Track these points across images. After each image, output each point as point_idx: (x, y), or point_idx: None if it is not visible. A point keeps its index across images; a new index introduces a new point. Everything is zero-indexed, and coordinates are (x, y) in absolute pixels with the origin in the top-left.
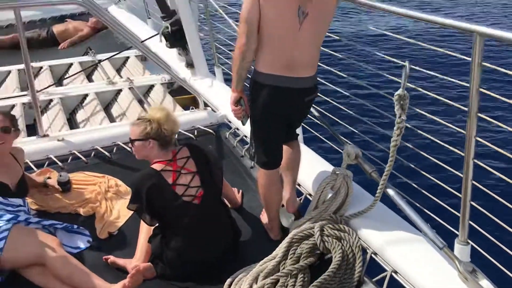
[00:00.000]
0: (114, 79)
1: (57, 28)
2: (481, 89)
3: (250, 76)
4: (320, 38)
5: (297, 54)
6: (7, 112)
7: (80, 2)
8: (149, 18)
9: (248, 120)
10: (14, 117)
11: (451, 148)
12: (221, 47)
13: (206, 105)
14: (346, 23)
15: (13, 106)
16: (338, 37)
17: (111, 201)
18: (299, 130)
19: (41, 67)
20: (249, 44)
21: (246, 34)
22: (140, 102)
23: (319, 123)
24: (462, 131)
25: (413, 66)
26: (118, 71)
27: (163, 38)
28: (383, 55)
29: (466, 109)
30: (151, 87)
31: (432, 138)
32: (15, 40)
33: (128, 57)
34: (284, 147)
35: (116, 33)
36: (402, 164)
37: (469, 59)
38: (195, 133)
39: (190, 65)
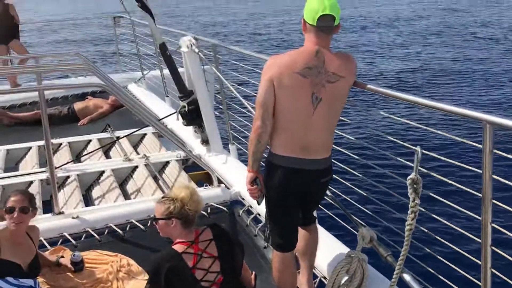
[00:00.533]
0: (131, 155)
1: (78, 105)
2: (495, 176)
3: (266, 156)
4: (334, 122)
5: (311, 137)
6: (27, 192)
7: (100, 83)
8: (167, 96)
9: (264, 200)
10: (33, 197)
11: (467, 234)
12: (235, 125)
13: (220, 181)
14: (355, 106)
15: (31, 183)
16: (348, 120)
17: (122, 281)
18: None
19: (61, 144)
20: (265, 127)
21: (262, 118)
22: (155, 179)
23: (333, 203)
24: (478, 217)
25: (425, 151)
26: (135, 147)
27: (180, 117)
28: (394, 139)
29: (480, 195)
30: (166, 163)
31: (447, 223)
32: (37, 116)
33: (145, 134)
34: (302, 231)
35: (133, 111)
36: (418, 248)
37: (481, 146)
38: (208, 211)
39: (205, 142)
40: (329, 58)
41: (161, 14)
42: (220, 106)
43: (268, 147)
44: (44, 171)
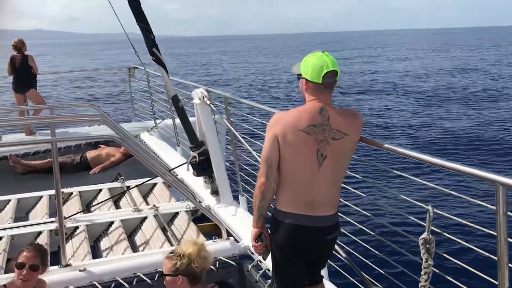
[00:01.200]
0: (140, 206)
1: (90, 154)
2: (510, 239)
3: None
4: (340, 179)
5: (317, 194)
6: (40, 248)
7: (111, 135)
8: (179, 145)
9: (270, 256)
10: (46, 253)
11: None
12: (245, 176)
13: (229, 234)
14: (367, 163)
15: (40, 233)
16: (360, 177)
17: None
18: (323, 272)
19: (71, 193)
20: (269, 184)
21: (266, 174)
22: (164, 230)
23: (343, 259)
24: (494, 281)
25: (437, 211)
26: (145, 197)
27: (190, 167)
28: (406, 197)
29: (495, 258)
30: (176, 214)
31: (461, 285)
32: (50, 164)
33: (156, 183)
34: None
35: (143, 162)
36: None
37: (494, 207)
38: (217, 265)
39: (215, 192)
40: (333, 115)
41: (174, 65)
42: (231, 157)
43: (273, 205)
44: (54, 221)
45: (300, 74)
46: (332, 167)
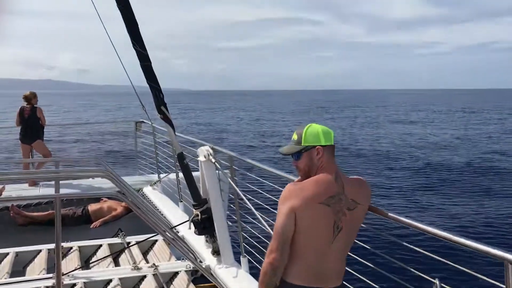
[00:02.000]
0: (140, 263)
1: (92, 207)
2: None
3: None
4: (348, 250)
5: (327, 266)
6: None
7: (114, 193)
8: (181, 201)
9: None
10: None
11: None
12: (248, 237)
13: None
14: (370, 231)
15: None
16: (363, 246)
17: None
18: None
19: (71, 248)
20: (282, 261)
21: (280, 250)
22: None
23: None
24: None
25: (443, 285)
26: (145, 253)
27: (192, 225)
28: (411, 269)
29: None
30: (175, 274)
31: None
32: (51, 216)
33: (156, 240)
34: None
35: (144, 220)
36: None
37: (503, 286)
38: None
39: (216, 252)
40: (347, 184)
41: (179, 120)
42: (234, 217)
43: None
44: (51, 278)
45: (306, 147)
46: (345, 239)
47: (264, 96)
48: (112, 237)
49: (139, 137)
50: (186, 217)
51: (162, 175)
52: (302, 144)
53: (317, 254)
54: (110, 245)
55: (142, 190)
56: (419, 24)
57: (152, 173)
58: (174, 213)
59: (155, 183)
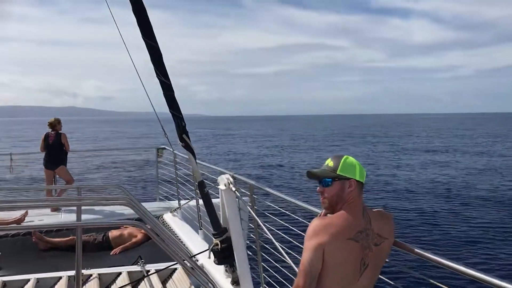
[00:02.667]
0: None
1: (113, 233)
2: None
3: None
4: (373, 284)
5: None
6: None
7: (134, 222)
8: (201, 229)
9: None
10: None
11: None
12: (268, 268)
13: None
14: (398, 268)
15: None
16: (389, 281)
17: None
18: None
19: (91, 275)
20: None
21: (307, 287)
22: None
23: None
24: None
25: None
26: (164, 282)
27: (212, 254)
28: None
29: None
30: None
31: None
32: (71, 242)
33: (175, 269)
34: None
35: (163, 248)
36: None
37: None
38: None
39: (236, 282)
40: (373, 219)
41: (200, 146)
42: (254, 246)
43: None
44: None
45: (339, 176)
46: (371, 275)
47: (284, 121)
48: (132, 264)
49: (160, 164)
50: (205, 245)
51: (182, 202)
52: (337, 172)
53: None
54: (129, 273)
55: (162, 217)
56: (439, 48)
57: (173, 199)
58: (194, 241)
59: (175, 210)
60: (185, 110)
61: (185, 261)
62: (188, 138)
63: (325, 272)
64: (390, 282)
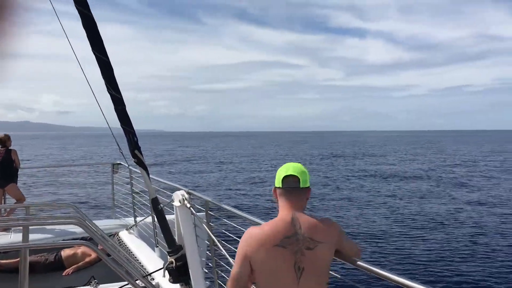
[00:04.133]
0: None
1: (65, 253)
2: None
3: None
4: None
5: None
6: None
7: (82, 242)
8: (157, 246)
9: None
10: None
11: None
12: (223, 284)
13: None
14: (342, 280)
15: None
16: None
17: None
18: None
19: None
20: None
21: None
22: None
23: None
24: None
25: None
26: None
27: (167, 273)
28: None
29: None
30: None
31: None
32: (17, 265)
33: None
34: None
35: (114, 269)
36: None
37: None
38: None
39: None
40: (304, 223)
41: (153, 161)
42: (209, 263)
43: None
44: None
45: (274, 187)
46: (313, 279)
47: (245, 137)
48: (84, 285)
49: (116, 179)
50: (162, 263)
51: (138, 219)
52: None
53: None
54: None
55: (118, 235)
56: (394, 68)
57: (129, 216)
58: (150, 259)
59: (131, 227)
60: (145, 125)
61: (137, 281)
62: (141, 153)
63: (261, 279)
64: None
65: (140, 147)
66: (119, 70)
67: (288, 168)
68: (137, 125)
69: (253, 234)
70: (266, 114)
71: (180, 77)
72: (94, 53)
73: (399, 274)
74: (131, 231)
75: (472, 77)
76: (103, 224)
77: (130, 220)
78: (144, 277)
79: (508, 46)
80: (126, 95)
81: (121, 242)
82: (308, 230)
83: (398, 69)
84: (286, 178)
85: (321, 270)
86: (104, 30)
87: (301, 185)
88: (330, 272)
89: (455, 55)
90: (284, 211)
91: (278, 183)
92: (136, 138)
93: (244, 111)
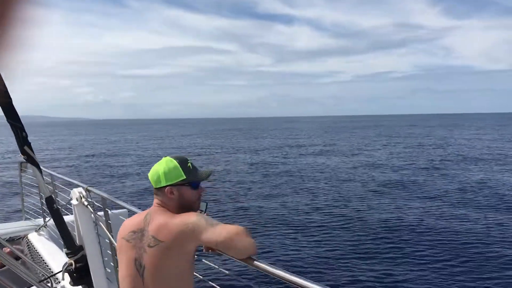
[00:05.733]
0: None
1: None
2: None
3: None
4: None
5: None
6: None
7: None
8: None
9: None
10: None
11: None
12: None
13: None
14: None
15: None
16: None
17: None
18: None
19: None
20: None
21: None
22: None
23: None
24: None
25: None
26: None
27: (66, 275)
28: None
29: None
30: None
31: None
32: None
33: None
34: None
35: (16, 273)
36: None
37: None
38: None
39: None
40: (153, 220)
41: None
42: (112, 263)
43: None
44: None
45: None
46: (155, 280)
47: (173, 124)
48: None
49: (25, 179)
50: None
51: (47, 219)
52: None
53: None
54: None
55: (27, 237)
56: (320, 54)
57: (39, 217)
58: (58, 261)
59: (39, 228)
60: (67, 113)
61: (41, 284)
62: (31, 149)
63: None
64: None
65: (30, 143)
66: (31, 55)
67: (156, 167)
68: (60, 113)
69: (123, 223)
70: (195, 101)
71: (104, 63)
72: None
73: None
74: (41, 232)
75: (394, 64)
76: (12, 226)
77: (41, 221)
78: (40, 281)
79: (426, 35)
80: (44, 81)
81: (29, 245)
82: (153, 228)
83: (325, 55)
84: (151, 177)
85: (165, 270)
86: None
87: (154, 185)
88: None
89: (378, 42)
90: (151, 207)
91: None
92: (25, 133)
93: (173, 98)
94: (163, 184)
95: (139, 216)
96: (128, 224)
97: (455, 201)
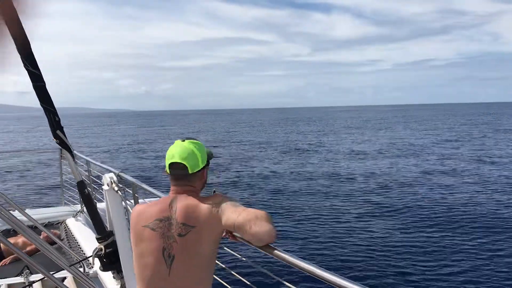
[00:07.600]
0: None
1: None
2: None
3: None
4: (198, 279)
5: None
6: None
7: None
8: None
9: None
10: None
11: None
12: None
13: None
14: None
15: None
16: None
17: None
18: None
19: None
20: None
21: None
22: None
23: None
24: None
25: None
26: None
27: (96, 260)
28: None
29: None
30: None
31: None
32: None
33: (65, 277)
34: None
35: (51, 258)
36: None
37: None
38: None
39: None
40: (180, 207)
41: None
42: None
43: None
44: None
45: None
46: (184, 270)
47: (211, 115)
48: (16, 275)
49: (65, 165)
50: None
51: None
52: None
53: (154, 281)
54: (9, 286)
55: (65, 222)
56: (359, 43)
57: (77, 203)
58: (93, 247)
59: (77, 213)
60: (111, 105)
61: (71, 268)
62: (64, 134)
63: (135, 261)
64: (246, 281)
65: (62, 127)
66: (76, 48)
67: (174, 154)
68: (105, 105)
69: (135, 211)
70: (232, 92)
71: (144, 55)
72: (7, 28)
73: (308, 262)
74: (78, 218)
75: (435, 52)
76: (51, 211)
77: (78, 207)
78: (71, 265)
79: (471, 21)
80: (88, 74)
81: (67, 230)
82: (182, 214)
83: (363, 44)
84: (171, 165)
85: (196, 259)
86: (60, 6)
87: (190, 171)
88: (217, 262)
89: (420, 29)
90: (170, 193)
91: (166, 168)
92: (58, 117)
93: (210, 89)
94: (201, 167)
95: (161, 203)
96: (150, 211)
97: None
